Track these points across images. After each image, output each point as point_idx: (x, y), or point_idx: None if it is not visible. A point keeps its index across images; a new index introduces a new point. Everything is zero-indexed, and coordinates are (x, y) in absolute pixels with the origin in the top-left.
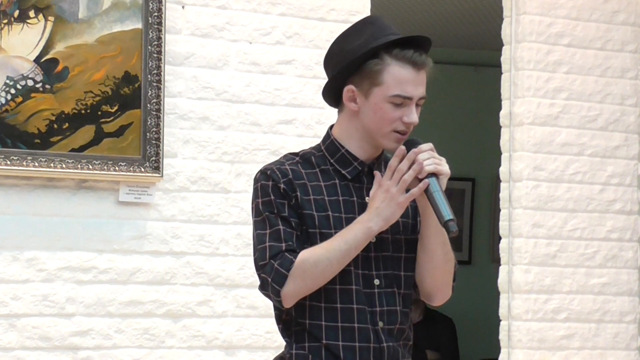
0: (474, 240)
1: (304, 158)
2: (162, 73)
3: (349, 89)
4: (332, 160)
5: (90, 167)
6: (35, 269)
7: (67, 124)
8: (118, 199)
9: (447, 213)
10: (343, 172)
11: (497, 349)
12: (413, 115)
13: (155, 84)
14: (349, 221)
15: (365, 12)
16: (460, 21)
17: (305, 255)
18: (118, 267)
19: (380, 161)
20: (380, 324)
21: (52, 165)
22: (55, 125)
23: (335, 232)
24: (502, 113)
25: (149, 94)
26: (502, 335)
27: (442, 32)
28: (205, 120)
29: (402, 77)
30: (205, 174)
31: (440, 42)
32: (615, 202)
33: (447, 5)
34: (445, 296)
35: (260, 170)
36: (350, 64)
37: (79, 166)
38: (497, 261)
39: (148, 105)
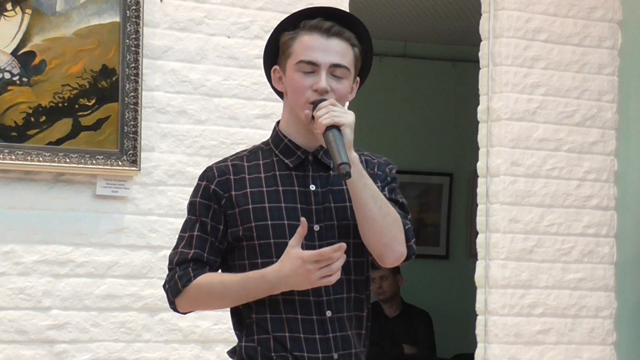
0: (451, 235)
1: (251, 152)
2: (139, 66)
3: (274, 70)
4: (276, 152)
5: (68, 160)
6: (12, 262)
7: (44, 117)
8: (95, 193)
9: (340, 157)
10: (286, 161)
11: (474, 344)
12: (320, 81)
13: (132, 77)
14: (289, 211)
15: (344, 6)
16: (438, 16)
17: (203, 281)
18: (95, 261)
19: (325, 149)
20: (329, 313)
21: (29, 158)
22: (32, 119)
23: (272, 224)
24: (479, 108)
25: (127, 87)
26: (479, 330)
27: (420, 27)
28: (183, 114)
29: (308, 44)
30: (183, 167)
31: (418, 37)
32: (592, 197)
33: (425, 1)
34: (397, 255)
35: (204, 169)
36: (267, 45)
37: (56, 159)
38: (474, 256)
39: (126, 98)
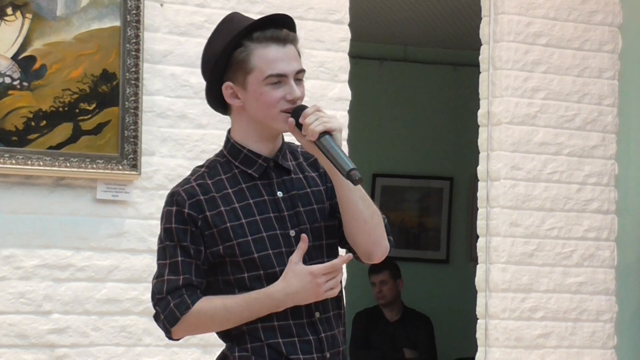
0: (451, 239)
1: (210, 167)
2: (140, 71)
3: (226, 86)
4: (236, 163)
5: (68, 164)
6: (12, 267)
7: (44, 122)
8: (95, 197)
9: (347, 164)
10: (249, 172)
11: (474, 348)
12: (294, 91)
13: (133, 81)
14: (265, 222)
15: (344, 10)
16: (438, 20)
17: (204, 306)
18: (95, 265)
19: (283, 152)
20: (317, 314)
21: (29, 162)
22: (33, 123)
23: (252, 239)
24: (480, 112)
25: (127, 91)
26: (479, 334)
27: (420, 31)
28: (184, 118)
29: (269, 57)
30: (183, 172)
31: (419, 41)
32: (593, 201)
33: (425, 5)
34: (384, 250)
35: (169, 193)
36: (218, 61)
37: (56, 164)
38: (474, 260)
39: (126, 103)
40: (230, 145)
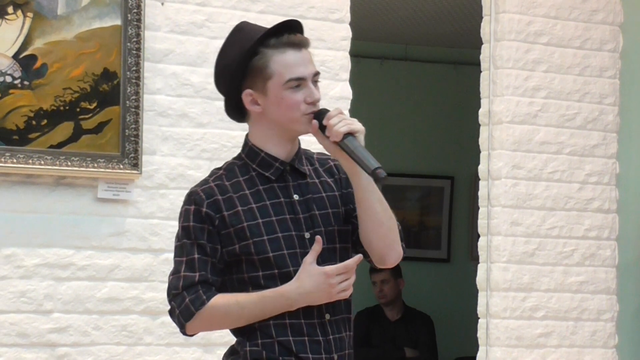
0: (452, 238)
1: (227, 169)
2: (141, 70)
3: (246, 94)
4: (254, 166)
5: (69, 163)
6: (13, 266)
7: (45, 121)
8: (96, 196)
9: (372, 162)
10: (266, 174)
11: (475, 347)
12: (314, 93)
13: (134, 80)
14: (280, 223)
15: (345, 9)
16: (439, 19)
17: (219, 302)
18: (96, 264)
19: (300, 157)
20: (327, 316)
21: (30, 161)
22: (34, 122)
23: (268, 238)
24: (481, 111)
25: (128, 90)
26: (480, 333)
27: (421, 30)
28: (185, 117)
29: (287, 62)
30: (184, 171)
31: (419, 40)
32: (594, 200)
33: (426, 4)
34: (398, 255)
35: (187, 193)
36: (236, 71)
37: (57, 163)
38: (475, 259)
39: (127, 102)
40: (249, 148)
